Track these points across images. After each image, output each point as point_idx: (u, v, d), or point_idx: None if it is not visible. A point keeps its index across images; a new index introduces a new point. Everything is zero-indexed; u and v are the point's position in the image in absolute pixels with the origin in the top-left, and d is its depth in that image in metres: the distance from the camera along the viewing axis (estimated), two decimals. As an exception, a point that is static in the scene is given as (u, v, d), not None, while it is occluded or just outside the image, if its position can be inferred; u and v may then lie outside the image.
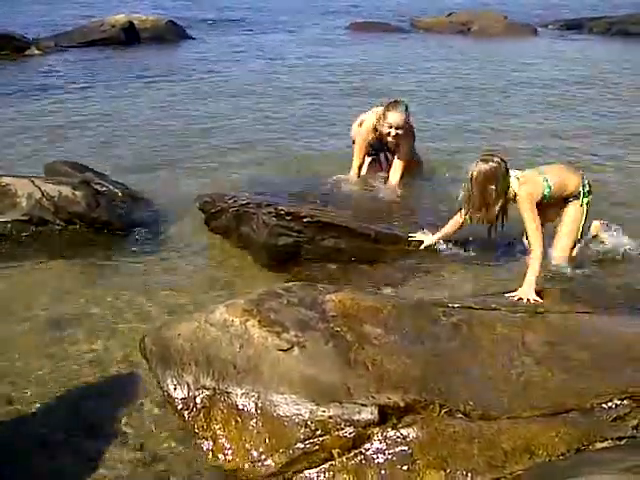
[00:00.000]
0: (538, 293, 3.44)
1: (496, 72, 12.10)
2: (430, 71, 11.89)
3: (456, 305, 3.14)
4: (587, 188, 4.09)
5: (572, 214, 4.10)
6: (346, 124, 5.92)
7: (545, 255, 3.87)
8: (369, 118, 5.22)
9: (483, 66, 12.83)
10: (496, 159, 3.85)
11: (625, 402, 2.52)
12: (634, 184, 5.84)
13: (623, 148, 7.00)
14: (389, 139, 5.12)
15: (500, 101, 9.47)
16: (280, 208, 4.25)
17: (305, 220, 4.22)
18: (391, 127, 4.97)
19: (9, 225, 4.56)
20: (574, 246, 4.17)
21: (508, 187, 3.85)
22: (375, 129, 5.14)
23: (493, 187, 3.81)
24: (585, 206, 4.09)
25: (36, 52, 13.96)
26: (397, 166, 5.27)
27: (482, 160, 3.84)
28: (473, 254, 4.35)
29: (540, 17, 24.43)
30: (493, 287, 3.92)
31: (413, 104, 5.61)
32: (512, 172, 3.92)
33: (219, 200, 4.64)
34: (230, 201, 4.54)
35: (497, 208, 3.88)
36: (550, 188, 3.94)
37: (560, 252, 4.13)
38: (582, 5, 28.13)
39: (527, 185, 3.87)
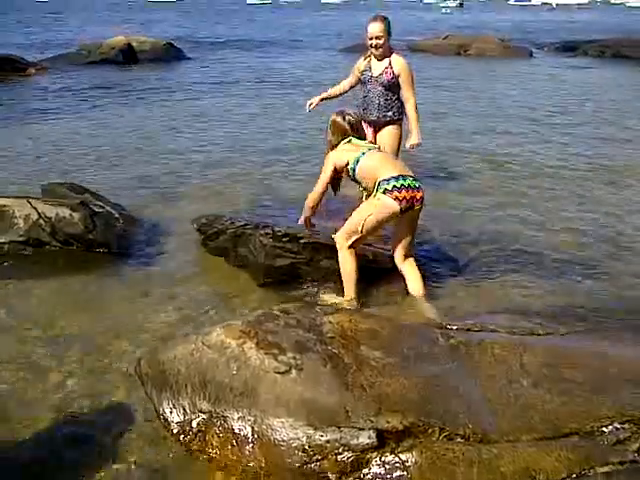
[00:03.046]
0: None
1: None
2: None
3: (454, 327, 3.13)
4: (386, 185, 3.80)
5: (364, 203, 3.97)
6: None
7: (315, 201, 4.15)
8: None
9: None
10: (337, 115, 4.21)
11: (626, 426, 2.49)
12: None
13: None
14: (373, 51, 5.47)
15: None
16: (277, 229, 4.25)
17: (302, 241, 4.21)
18: (371, 38, 5.40)
19: (6, 246, 4.55)
20: (355, 235, 3.88)
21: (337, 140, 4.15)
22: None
23: (330, 136, 4.19)
24: (377, 200, 3.83)
25: (35, 73, 14.06)
26: (412, 113, 5.56)
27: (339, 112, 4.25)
28: (472, 273, 4.36)
29: (535, 40, 24.76)
30: (493, 305, 3.92)
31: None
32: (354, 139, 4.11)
33: (216, 222, 4.63)
34: (227, 222, 4.54)
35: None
36: (355, 169, 4.01)
37: (339, 232, 3.98)
38: (572, 29, 28.51)
39: (336, 152, 4.13)
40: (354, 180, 4.12)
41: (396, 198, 3.79)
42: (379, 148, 4.35)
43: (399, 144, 5.68)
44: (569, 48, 21.14)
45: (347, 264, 3.92)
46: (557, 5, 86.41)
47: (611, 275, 4.39)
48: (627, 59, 18.42)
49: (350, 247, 3.91)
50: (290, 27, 34.33)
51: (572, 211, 5.71)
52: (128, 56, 16.13)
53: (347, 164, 4.04)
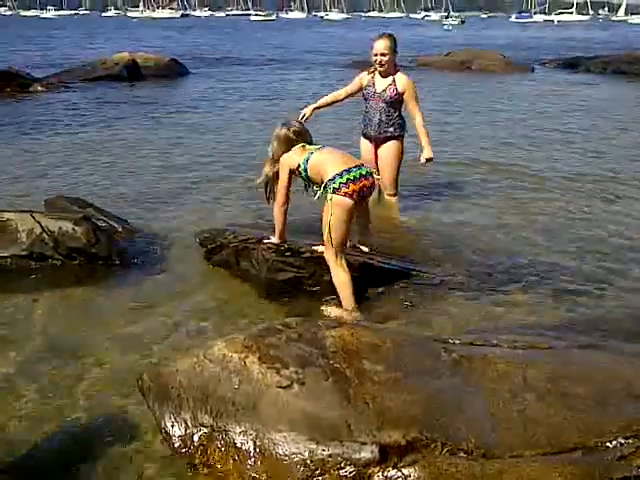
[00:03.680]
0: None
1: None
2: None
3: (457, 341, 3.12)
4: (333, 184, 3.86)
5: (323, 211, 3.98)
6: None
7: (282, 212, 4.20)
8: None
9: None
10: (281, 127, 4.22)
11: (630, 441, 2.47)
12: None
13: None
14: (378, 67, 5.54)
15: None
16: (280, 244, 4.26)
17: (304, 255, 4.22)
18: (376, 54, 5.50)
19: (9, 260, 4.56)
20: (332, 244, 3.91)
21: (283, 153, 4.15)
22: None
23: (276, 148, 4.20)
24: (330, 202, 3.89)
25: (39, 89, 14.17)
26: (420, 128, 5.61)
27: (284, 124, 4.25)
28: (474, 287, 4.35)
29: (537, 56, 24.91)
30: (496, 319, 3.91)
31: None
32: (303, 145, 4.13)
33: (219, 235, 4.65)
34: (230, 236, 4.55)
35: (266, 168, 4.26)
36: (306, 169, 4.06)
37: (324, 251, 4.04)
38: (574, 46, 28.65)
39: (287, 156, 4.14)
40: (307, 181, 4.15)
41: (345, 194, 3.86)
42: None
43: (399, 161, 5.72)
44: (571, 64, 21.26)
45: (339, 276, 3.94)
46: (559, 22, 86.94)
47: (616, 290, 4.37)
48: (628, 75, 18.51)
49: (337, 258, 3.93)
50: (293, 43, 34.61)
51: (578, 227, 5.69)
52: (132, 72, 16.26)
53: (298, 166, 4.08)
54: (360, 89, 5.71)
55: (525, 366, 2.89)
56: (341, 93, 5.79)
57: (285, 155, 4.18)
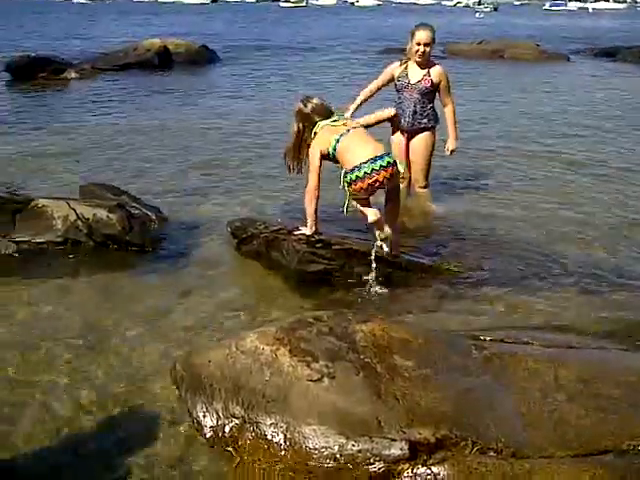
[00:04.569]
0: None
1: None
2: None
3: (488, 338, 3.11)
4: (350, 175, 4.04)
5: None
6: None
7: (313, 196, 4.22)
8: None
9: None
10: (302, 102, 4.31)
11: (662, 444, 2.45)
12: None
13: None
14: (417, 58, 5.45)
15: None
16: (311, 235, 4.27)
17: (335, 247, 4.23)
18: (419, 44, 5.38)
19: (45, 245, 4.65)
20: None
21: (311, 132, 4.25)
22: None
23: (295, 124, 4.32)
24: (347, 186, 4.10)
25: (73, 75, 14.33)
26: (450, 119, 5.67)
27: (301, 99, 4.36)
28: (506, 283, 4.32)
29: (572, 44, 24.44)
30: (527, 316, 3.89)
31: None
32: (325, 122, 4.21)
33: (250, 225, 4.68)
34: (261, 227, 4.58)
35: (291, 144, 4.37)
36: (335, 150, 4.15)
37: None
38: (611, 34, 28.04)
39: (317, 139, 4.22)
40: (334, 161, 4.26)
41: (361, 189, 4.03)
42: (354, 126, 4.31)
43: (431, 152, 5.69)
44: (608, 53, 20.80)
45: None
46: (594, 9, 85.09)
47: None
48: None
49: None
50: (323, 29, 34.39)
51: (616, 221, 5.59)
52: (163, 59, 16.33)
53: (328, 152, 4.18)
54: (391, 80, 5.66)
55: (556, 365, 2.88)
56: (372, 88, 5.69)
57: (316, 139, 4.23)
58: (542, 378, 2.80)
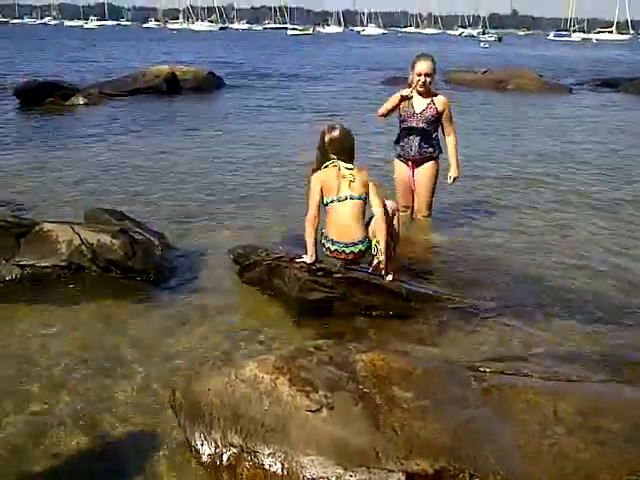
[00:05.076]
0: None
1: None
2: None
3: (487, 369, 3.11)
4: (325, 243, 4.37)
5: None
6: (387, 180, 6.02)
7: (312, 226, 4.32)
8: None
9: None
10: (326, 128, 4.35)
11: (661, 480, 2.44)
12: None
13: None
14: (419, 88, 5.53)
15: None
16: (312, 263, 4.30)
17: (336, 276, 4.25)
18: (420, 74, 5.46)
19: (48, 270, 4.68)
20: None
21: (327, 159, 4.31)
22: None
23: (317, 150, 4.38)
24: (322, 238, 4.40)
25: (81, 100, 14.52)
26: (452, 147, 5.76)
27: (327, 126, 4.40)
28: (506, 314, 4.32)
29: (575, 75, 24.65)
30: (528, 347, 3.88)
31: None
32: (337, 164, 4.28)
33: (252, 252, 4.71)
34: (263, 254, 4.60)
35: (314, 165, 4.41)
36: (326, 205, 4.32)
37: None
38: (613, 66, 28.25)
39: (323, 174, 4.31)
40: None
41: (332, 254, 4.38)
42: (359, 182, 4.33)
43: (435, 182, 5.74)
44: (610, 84, 21.00)
45: None
46: (597, 40, 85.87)
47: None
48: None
49: None
50: (331, 58, 34.80)
51: (615, 253, 5.60)
52: (172, 85, 16.56)
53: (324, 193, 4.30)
54: (397, 107, 5.73)
55: (556, 398, 2.87)
56: (383, 111, 5.70)
57: (320, 174, 4.29)
58: (541, 411, 2.79)
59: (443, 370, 3.04)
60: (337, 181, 4.25)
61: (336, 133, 4.31)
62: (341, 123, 4.48)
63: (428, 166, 5.68)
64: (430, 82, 5.53)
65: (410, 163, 5.71)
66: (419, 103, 5.61)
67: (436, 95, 5.63)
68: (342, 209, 4.26)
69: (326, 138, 4.30)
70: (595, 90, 20.78)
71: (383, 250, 4.21)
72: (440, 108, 5.58)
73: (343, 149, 4.31)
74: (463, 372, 3.04)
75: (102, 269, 4.71)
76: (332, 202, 4.27)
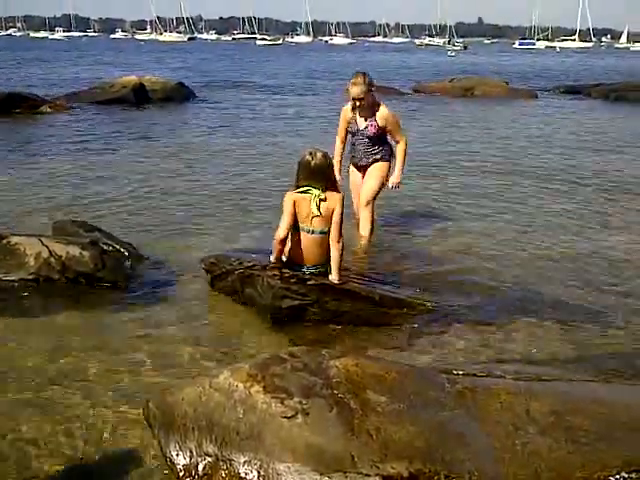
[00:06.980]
0: None
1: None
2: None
3: (460, 372, 3.14)
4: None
5: None
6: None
7: (278, 245, 4.32)
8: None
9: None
10: (306, 154, 4.32)
11: (633, 475, 2.48)
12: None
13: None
14: (358, 110, 5.73)
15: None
16: (284, 271, 4.29)
17: (309, 283, 4.25)
18: (354, 99, 5.68)
19: (15, 284, 4.60)
20: None
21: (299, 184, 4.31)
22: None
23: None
24: None
25: (49, 110, 14.32)
26: (398, 154, 5.84)
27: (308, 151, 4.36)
28: (479, 315, 4.37)
29: (540, 82, 25.11)
30: (501, 350, 3.92)
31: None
32: (310, 193, 4.24)
33: (224, 262, 4.68)
34: (235, 263, 4.58)
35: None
36: (294, 229, 4.31)
37: None
38: (577, 72, 28.85)
39: (296, 195, 4.30)
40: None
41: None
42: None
43: (381, 183, 5.85)
44: (573, 90, 21.51)
45: None
46: (561, 49, 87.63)
47: (626, 324, 4.33)
48: (630, 102, 18.72)
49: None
50: (299, 68, 34.95)
51: (586, 255, 5.70)
52: (140, 95, 16.43)
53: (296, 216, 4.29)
54: (347, 123, 5.87)
55: (528, 398, 2.91)
56: (339, 144, 5.98)
57: (295, 195, 4.28)
58: (514, 411, 2.82)
59: (417, 374, 3.05)
60: (308, 209, 4.25)
61: (308, 158, 4.31)
62: (317, 148, 4.42)
63: (376, 165, 5.87)
64: (364, 102, 5.64)
65: (361, 170, 5.87)
66: (361, 121, 5.77)
67: (379, 109, 5.70)
68: (305, 242, 4.31)
69: (300, 165, 4.33)
70: (559, 95, 21.23)
71: (335, 275, 4.31)
72: (381, 123, 5.72)
73: (310, 175, 4.29)
74: (437, 375, 3.06)
75: (72, 281, 4.65)
76: (301, 229, 4.30)
